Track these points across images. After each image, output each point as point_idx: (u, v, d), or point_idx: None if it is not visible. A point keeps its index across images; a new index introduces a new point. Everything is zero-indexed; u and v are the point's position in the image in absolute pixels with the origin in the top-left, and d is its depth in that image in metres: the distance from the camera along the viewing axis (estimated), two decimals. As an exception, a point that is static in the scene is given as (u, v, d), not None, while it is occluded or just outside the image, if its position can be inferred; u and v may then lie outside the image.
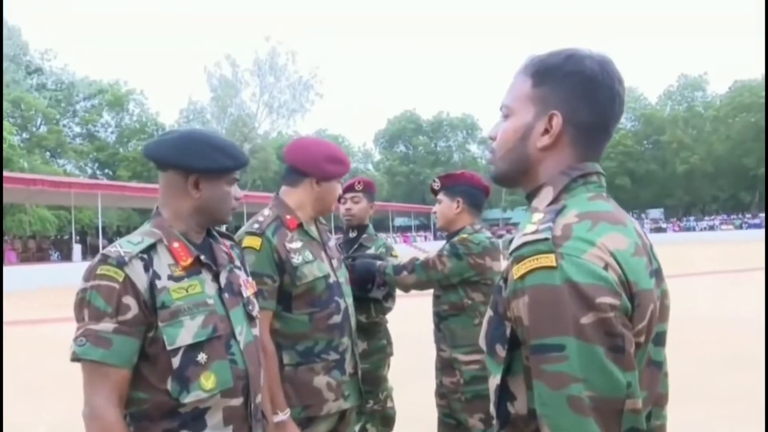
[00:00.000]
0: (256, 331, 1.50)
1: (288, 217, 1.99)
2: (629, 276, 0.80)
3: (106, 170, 44.74)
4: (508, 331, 0.84)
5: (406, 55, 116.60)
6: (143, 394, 1.31)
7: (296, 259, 1.89)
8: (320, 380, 1.90)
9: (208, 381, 1.32)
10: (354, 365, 2.02)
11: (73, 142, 43.33)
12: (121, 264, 1.29)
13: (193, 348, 1.32)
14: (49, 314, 10.51)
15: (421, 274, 2.33)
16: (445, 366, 2.37)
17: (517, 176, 0.98)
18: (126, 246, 1.34)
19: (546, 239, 0.81)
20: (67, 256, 25.18)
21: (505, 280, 0.86)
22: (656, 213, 50.05)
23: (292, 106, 47.52)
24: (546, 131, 0.93)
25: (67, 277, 19.52)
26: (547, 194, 0.93)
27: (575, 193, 0.91)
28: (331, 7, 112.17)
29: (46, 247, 26.25)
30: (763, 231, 38.05)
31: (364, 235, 2.83)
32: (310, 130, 56.65)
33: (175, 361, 1.30)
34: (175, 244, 1.39)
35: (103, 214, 25.80)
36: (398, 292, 2.98)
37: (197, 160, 1.38)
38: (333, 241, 2.18)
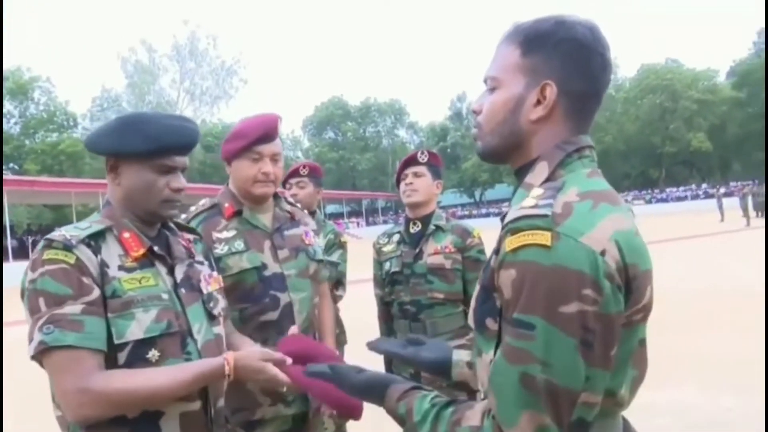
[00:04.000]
0: (217, 329, 1.37)
1: (226, 204, 1.86)
2: (629, 260, 0.78)
3: (11, 164, 41.38)
4: (498, 303, 0.81)
5: (332, 41, 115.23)
6: None
7: (219, 250, 1.74)
8: (253, 384, 1.75)
9: None
10: None
11: (-31, 134, 39.69)
12: (68, 247, 1.18)
13: (144, 344, 1.20)
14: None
15: None
16: None
17: (508, 151, 0.93)
18: (71, 230, 1.22)
19: (545, 215, 0.77)
20: (-30, 259, 23.17)
21: (496, 251, 0.82)
22: (574, 193, 52.44)
23: (215, 92, 45.90)
24: (539, 102, 0.89)
25: (-28, 282, 18.04)
26: (542, 170, 0.88)
27: (572, 168, 0.87)
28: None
29: (-56, 250, 23.99)
30: (669, 205, 41.06)
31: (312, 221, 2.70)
32: (234, 118, 54.92)
33: (121, 357, 1.18)
34: (126, 234, 1.27)
35: (10, 211, 23.86)
36: (348, 278, 2.92)
37: (108, 141, 1.27)
38: (298, 229, 1.97)
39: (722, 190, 32.36)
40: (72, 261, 1.16)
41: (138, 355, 1.19)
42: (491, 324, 0.83)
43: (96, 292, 1.17)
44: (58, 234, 1.20)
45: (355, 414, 1.27)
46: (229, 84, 46.80)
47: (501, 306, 0.81)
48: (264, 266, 1.81)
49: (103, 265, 1.20)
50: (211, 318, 1.35)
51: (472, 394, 1.36)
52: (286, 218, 1.97)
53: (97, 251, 1.21)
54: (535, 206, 0.79)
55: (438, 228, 2.39)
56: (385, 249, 2.49)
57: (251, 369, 1.18)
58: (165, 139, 1.25)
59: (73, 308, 1.13)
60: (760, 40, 53.47)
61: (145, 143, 1.24)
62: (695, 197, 42.77)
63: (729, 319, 6.06)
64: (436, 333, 2.28)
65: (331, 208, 51.85)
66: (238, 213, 1.86)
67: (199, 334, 1.30)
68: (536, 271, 0.75)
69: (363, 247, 6.91)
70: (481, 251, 2.38)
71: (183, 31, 56.78)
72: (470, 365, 1.12)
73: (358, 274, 4.98)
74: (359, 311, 3.87)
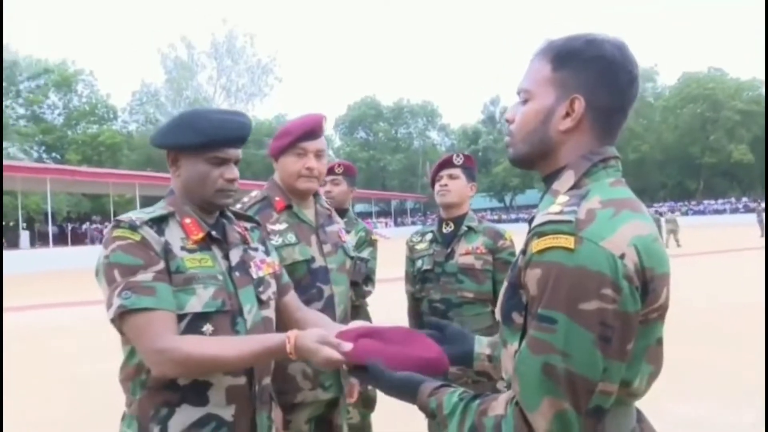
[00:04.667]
0: (266, 313, 1.46)
1: (277, 198, 1.97)
2: (646, 263, 0.83)
3: (54, 154, 42.85)
4: (524, 299, 0.88)
5: (366, 41, 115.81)
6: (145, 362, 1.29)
7: (274, 241, 1.84)
8: (295, 367, 1.85)
9: None
10: None
11: (16, 123, 41.24)
12: (134, 227, 1.30)
13: (201, 317, 1.30)
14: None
15: None
16: None
17: (537, 158, 1.00)
18: (137, 214, 1.35)
19: (569, 221, 0.83)
20: (13, 244, 24.11)
21: (523, 252, 0.89)
22: (608, 199, 51.43)
23: (250, 89, 46.71)
24: (567, 114, 0.94)
25: (15, 265, 18.78)
26: (568, 178, 0.94)
27: (596, 177, 0.93)
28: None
29: (-10, 234, 24.99)
30: (706, 217, 39.91)
31: (344, 219, 2.78)
32: (268, 115, 55.80)
33: (180, 327, 1.27)
34: (187, 220, 1.38)
35: (51, 199, 24.73)
36: (377, 276, 2.99)
37: (167, 136, 1.39)
38: (336, 225, 2.10)
39: (763, 205, 31.33)
40: (137, 238, 1.29)
41: (194, 327, 1.29)
42: (517, 317, 0.90)
43: (162, 264, 1.29)
44: (125, 216, 1.33)
45: (443, 367, 1.15)
46: (264, 82, 47.58)
47: (527, 301, 0.87)
48: (312, 259, 1.93)
49: (167, 244, 1.32)
50: (260, 302, 1.44)
51: (492, 380, 1.42)
52: (326, 215, 2.08)
53: (160, 233, 1.33)
54: (561, 212, 0.85)
55: (470, 229, 2.45)
56: (418, 247, 2.56)
57: (306, 349, 1.22)
58: (215, 133, 1.35)
59: (145, 276, 1.25)
60: (809, 50, 51.57)
61: (197, 137, 1.35)
62: (734, 211, 41.53)
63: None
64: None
65: (359, 208, 52.10)
66: (288, 207, 1.96)
67: (249, 315, 1.39)
68: (560, 271, 0.81)
69: (391, 247, 6.98)
70: (512, 254, 2.42)
71: (222, 29, 57.78)
72: (490, 358, 1.19)
73: (386, 274, 5.05)
74: (386, 309, 3.95)
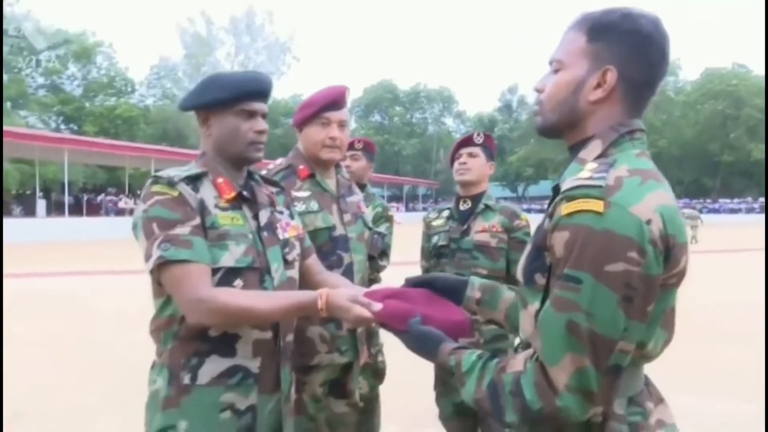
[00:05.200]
0: (291, 273, 1.52)
1: (301, 167, 2.02)
2: (670, 230, 0.87)
3: (71, 125, 43.20)
4: (548, 261, 0.92)
5: (385, 24, 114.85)
6: (179, 312, 1.34)
7: (298, 208, 1.88)
8: (313, 331, 1.91)
9: None
10: None
11: (35, 93, 41.59)
12: (171, 183, 1.35)
13: (233, 272, 1.36)
14: (14, 269, 10.25)
15: None
16: None
17: (565, 128, 1.02)
18: (174, 171, 1.39)
19: (600, 186, 0.87)
20: (30, 212, 24.47)
21: (550, 215, 0.92)
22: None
23: (268, 68, 46.44)
24: (599, 85, 0.97)
25: (31, 233, 19.12)
26: (595, 147, 0.97)
27: (623, 148, 0.96)
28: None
29: (8, 201, 25.39)
30: (721, 216, 39.46)
31: (363, 194, 2.82)
32: (285, 94, 55.67)
33: (214, 281, 1.33)
34: (219, 179, 1.43)
35: (68, 170, 25.03)
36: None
37: (196, 97, 1.45)
38: (357, 196, 2.16)
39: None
40: (176, 194, 1.34)
41: (226, 281, 1.34)
42: (539, 279, 0.94)
43: (198, 219, 1.34)
44: (163, 173, 1.38)
45: (466, 330, 1.20)
46: (282, 60, 47.41)
47: (550, 263, 0.90)
48: (334, 227, 1.98)
49: (202, 201, 1.37)
50: (286, 262, 1.50)
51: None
52: (347, 185, 2.13)
53: (195, 190, 1.38)
54: (590, 178, 0.89)
55: (487, 207, 2.48)
56: (434, 223, 2.60)
57: (338, 307, 1.27)
58: (240, 87, 1.41)
59: (183, 230, 1.30)
60: (838, 49, 50.36)
61: (225, 92, 1.40)
62: (750, 210, 41.08)
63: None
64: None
65: (372, 191, 52.01)
66: (311, 176, 2.02)
67: (276, 273, 1.45)
68: (588, 233, 0.84)
69: (403, 232, 7.02)
70: (527, 233, 2.45)
71: (241, 4, 57.59)
72: (479, 302, 1.24)
73: (397, 257, 5.09)
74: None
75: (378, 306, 1.21)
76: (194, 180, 1.40)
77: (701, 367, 4.62)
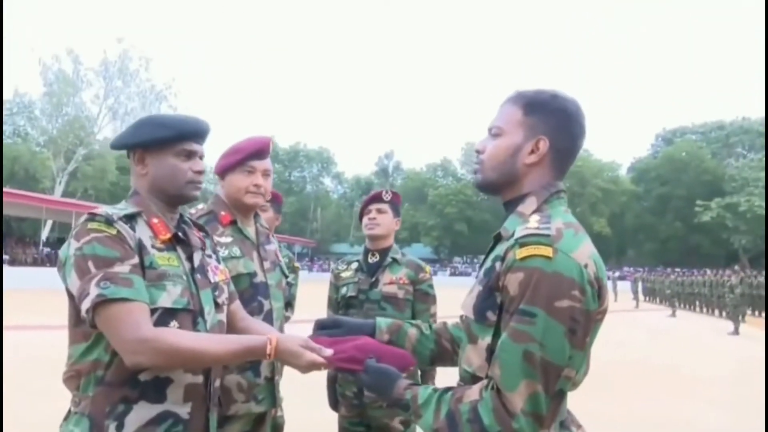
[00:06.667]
0: (221, 316, 1.50)
1: (222, 213, 2.03)
2: (600, 274, 1.06)
3: None
4: (498, 300, 1.04)
5: (267, 82, 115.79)
6: (106, 356, 1.27)
7: (222, 252, 1.88)
8: (231, 379, 1.88)
9: None
10: (272, 369, 2.02)
11: None
12: (110, 221, 1.31)
13: (168, 313, 1.33)
14: None
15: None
16: None
17: (503, 185, 1.19)
18: (110, 209, 1.36)
19: (547, 235, 1.03)
20: None
21: (502, 259, 1.06)
22: (487, 259, 54.93)
23: (140, 115, 44.21)
24: (533, 151, 1.16)
25: None
26: (531, 203, 1.15)
27: (553, 205, 1.14)
28: (196, 23, 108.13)
29: None
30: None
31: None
32: (157, 143, 53.12)
33: (151, 321, 1.28)
34: (155, 219, 1.41)
35: None
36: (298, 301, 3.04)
37: (133, 135, 1.43)
38: (273, 245, 2.18)
39: (617, 274, 35.22)
40: (114, 232, 1.30)
41: (162, 322, 1.31)
42: (491, 316, 1.06)
43: (136, 258, 1.30)
44: (100, 210, 1.34)
45: (410, 363, 1.28)
46: (156, 108, 45.41)
47: (501, 302, 1.03)
48: (255, 273, 1.99)
49: (140, 240, 1.34)
50: (216, 305, 1.48)
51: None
52: (265, 234, 2.16)
53: (133, 229, 1.35)
54: (538, 228, 1.05)
55: (394, 261, 2.61)
56: (343, 275, 2.67)
57: (289, 352, 1.27)
58: (183, 127, 1.42)
59: (122, 268, 1.26)
60: (657, 143, 59.93)
61: (168, 131, 1.40)
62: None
63: (631, 385, 6.61)
64: None
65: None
66: (233, 222, 2.03)
67: (208, 316, 1.42)
68: (540, 274, 0.99)
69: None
70: (431, 286, 2.63)
71: (116, 48, 54.99)
72: (390, 343, 1.34)
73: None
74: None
75: (329, 351, 1.25)
76: (130, 219, 1.37)
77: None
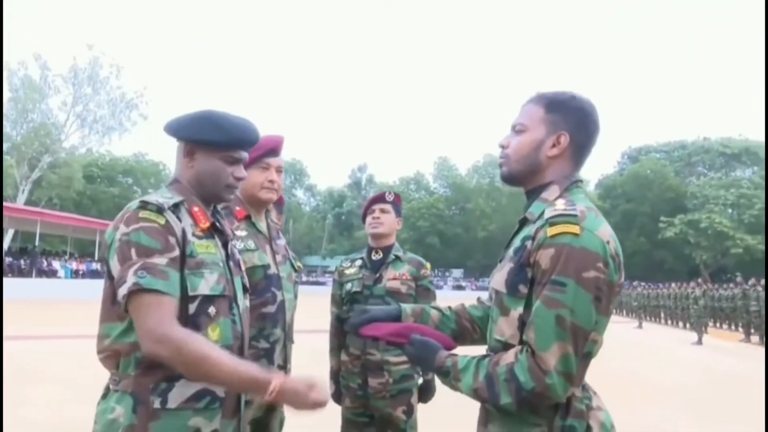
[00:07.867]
0: (247, 302, 1.59)
1: (237, 208, 2.12)
2: (618, 251, 1.20)
3: None
4: (529, 274, 1.18)
5: (241, 93, 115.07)
6: None
7: (238, 245, 1.95)
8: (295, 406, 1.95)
9: (213, 333, 1.40)
10: (284, 358, 2.10)
11: None
12: (160, 210, 1.37)
13: (207, 300, 1.40)
14: None
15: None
16: (373, 368, 2.57)
17: (527, 175, 1.33)
18: (160, 198, 1.41)
19: (575, 215, 1.17)
20: None
21: (532, 238, 1.19)
22: (458, 272, 55.76)
23: (109, 123, 43.49)
24: (554, 145, 1.30)
25: None
26: (554, 190, 1.29)
27: (573, 192, 1.28)
28: (170, 31, 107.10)
29: None
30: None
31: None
32: (126, 152, 52.33)
33: (192, 308, 1.36)
34: (195, 208, 1.47)
35: None
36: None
37: (189, 130, 1.48)
38: (283, 240, 2.28)
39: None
40: (162, 222, 1.36)
41: (202, 308, 1.38)
42: (522, 289, 1.19)
43: (177, 251, 1.36)
44: (152, 198, 1.39)
45: (450, 344, 1.36)
46: (127, 117, 44.74)
47: (532, 277, 1.16)
48: (268, 266, 2.08)
49: (183, 230, 1.40)
50: (245, 291, 1.57)
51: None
52: (276, 229, 2.26)
53: (179, 219, 1.41)
54: (566, 209, 1.18)
55: (397, 258, 2.73)
56: (348, 271, 2.78)
57: (294, 392, 1.27)
58: (238, 135, 1.48)
59: (161, 260, 1.32)
60: (623, 160, 61.76)
61: (223, 136, 1.46)
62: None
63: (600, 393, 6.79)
64: (388, 350, 2.55)
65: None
66: (247, 217, 2.12)
67: (240, 302, 1.50)
68: (569, 249, 1.13)
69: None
70: (431, 282, 2.77)
71: (86, 55, 53.95)
72: (415, 318, 1.44)
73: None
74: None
75: (379, 329, 1.37)
76: (177, 207, 1.42)
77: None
